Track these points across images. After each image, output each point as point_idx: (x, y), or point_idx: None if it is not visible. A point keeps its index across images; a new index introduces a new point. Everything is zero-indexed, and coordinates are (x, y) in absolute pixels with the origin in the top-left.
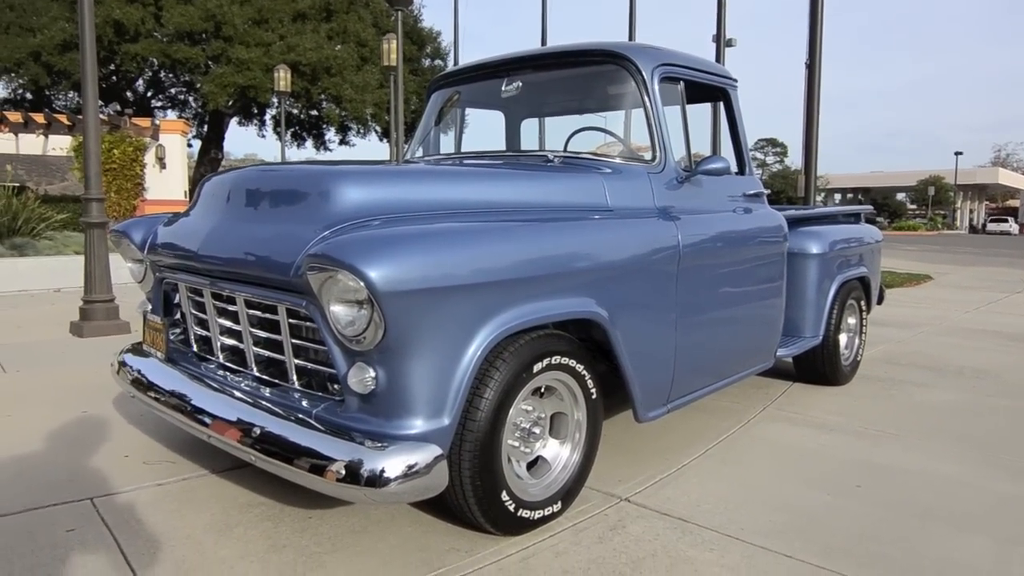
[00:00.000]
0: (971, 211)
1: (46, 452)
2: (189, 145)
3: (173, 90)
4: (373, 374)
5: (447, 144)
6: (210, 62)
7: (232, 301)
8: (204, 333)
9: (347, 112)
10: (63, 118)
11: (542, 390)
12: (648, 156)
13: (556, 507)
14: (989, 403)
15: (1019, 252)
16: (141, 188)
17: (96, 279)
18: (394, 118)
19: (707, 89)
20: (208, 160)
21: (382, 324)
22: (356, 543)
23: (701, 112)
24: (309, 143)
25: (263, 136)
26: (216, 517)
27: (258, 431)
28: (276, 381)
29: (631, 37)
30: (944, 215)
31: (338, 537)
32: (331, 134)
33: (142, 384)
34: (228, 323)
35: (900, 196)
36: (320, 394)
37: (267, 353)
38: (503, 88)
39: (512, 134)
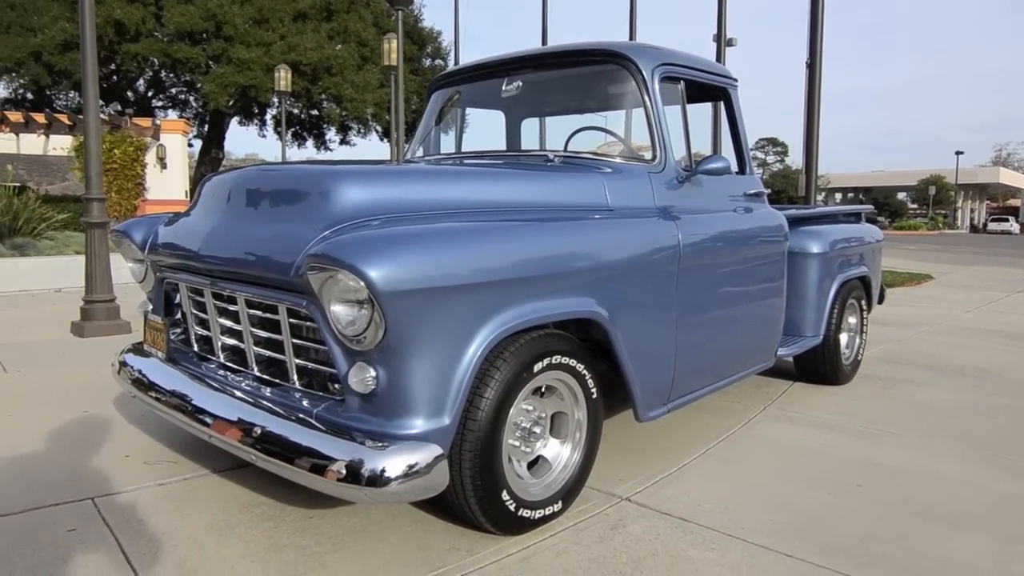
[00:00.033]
0: (972, 210)
1: (47, 452)
2: (190, 145)
3: (174, 90)
4: (374, 374)
5: (447, 144)
6: (211, 62)
7: (233, 301)
8: (205, 333)
9: (348, 112)
10: (64, 118)
11: (542, 390)
12: (648, 156)
13: (557, 507)
14: (990, 402)
15: (1020, 251)
16: (142, 188)
17: (97, 279)
18: (394, 118)
19: (707, 89)
20: (209, 160)
21: (382, 324)
22: (357, 543)
23: (701, 112)
24: (310, 143)
25: (264, 136)
26: (217, 517)
27: (259, 431)
28: (277, 381)
29: (631, 37)
30: (945, 214)
31: (339, 537)
32: (332, 134)
33: (143, 384)
34: (229, 323)
35: (901, 195)
36: (321, 394)
37: (268, 353)
38: (503, 88)
39: (512, 134)
